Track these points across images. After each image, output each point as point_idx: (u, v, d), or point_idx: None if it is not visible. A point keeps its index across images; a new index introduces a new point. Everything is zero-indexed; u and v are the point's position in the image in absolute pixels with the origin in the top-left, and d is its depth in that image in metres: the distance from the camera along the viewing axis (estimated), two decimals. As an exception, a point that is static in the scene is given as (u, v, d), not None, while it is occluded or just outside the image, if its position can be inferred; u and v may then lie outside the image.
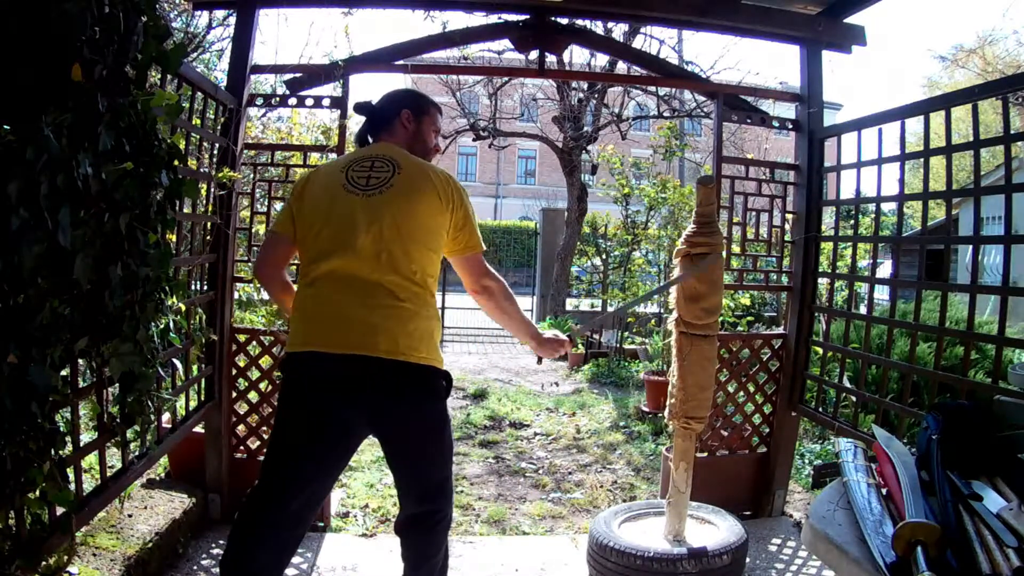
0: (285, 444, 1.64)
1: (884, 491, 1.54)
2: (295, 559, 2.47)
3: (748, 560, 2.40)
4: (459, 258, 1.84)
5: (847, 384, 2.91)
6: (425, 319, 1.67)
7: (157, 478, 2.81)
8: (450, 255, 1.83)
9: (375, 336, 1.59)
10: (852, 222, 3.09)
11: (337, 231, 1.66)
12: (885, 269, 5.82)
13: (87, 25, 1.29)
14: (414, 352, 1.62)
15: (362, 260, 1.63)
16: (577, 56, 8.62)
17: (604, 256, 8.25)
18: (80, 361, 1.65)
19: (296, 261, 1.88)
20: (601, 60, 8.05)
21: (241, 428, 2.79)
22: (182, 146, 1.84)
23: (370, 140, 1.92)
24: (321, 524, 2.74)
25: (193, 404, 2.50)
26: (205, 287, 2.60)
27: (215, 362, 2.63)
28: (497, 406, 5.09)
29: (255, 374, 2.82)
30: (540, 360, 2.08)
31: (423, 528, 1.76)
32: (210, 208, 2.51)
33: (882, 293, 5.11)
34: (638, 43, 7.41)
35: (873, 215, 2.82)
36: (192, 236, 2.46)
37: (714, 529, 2.33)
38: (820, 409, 2.93)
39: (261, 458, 2.72)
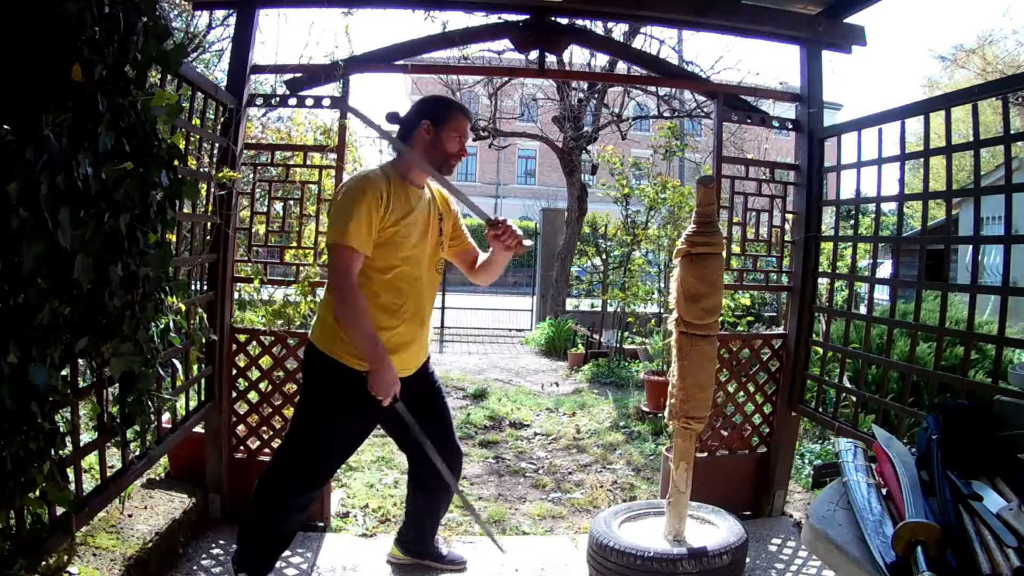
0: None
1: (884, 491, 1.54)
2: (295, 559, 2.47)
3: (748, 560, 2.40)
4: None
5: (847, 384, 2.91)
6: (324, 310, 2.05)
7: (157, 478, 2.81)
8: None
9: None
10: (852, 222, 3.09)
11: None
12: (885, 269, 5.82)
13: (87, 25, 1.29)
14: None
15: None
16: (577, 56, 8.62)
17: (604, 256, 8.25)
18: (80, 361, 1.65)
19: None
20: (601, 60, 8.05)
21: (241, 428, 2.79)
22: (182, 146, 1.84)
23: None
24: (321, 524, 2.74)
25: (193, 404, 2.50)
26: (205, 287, 2.60)
27: (215, 362, 2.63)
28: (497, 406, 5.09)
29: (255, 374, 2.82)
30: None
31: None
32: (210, 208, 2.51)
33: (882, 293, 5.11)
34: (638, 43, 7.41)
35: (873, 215, 2.82)
36: (192, 236, 2.46)
37: (714, 529, 2.33)
38: (820, 409, 2.93)
39: (261, 458, 2.74)
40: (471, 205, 2.17)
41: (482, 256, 2.28)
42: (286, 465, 2.10)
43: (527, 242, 2.10)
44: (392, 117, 2.11)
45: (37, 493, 1.38)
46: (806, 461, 3.62)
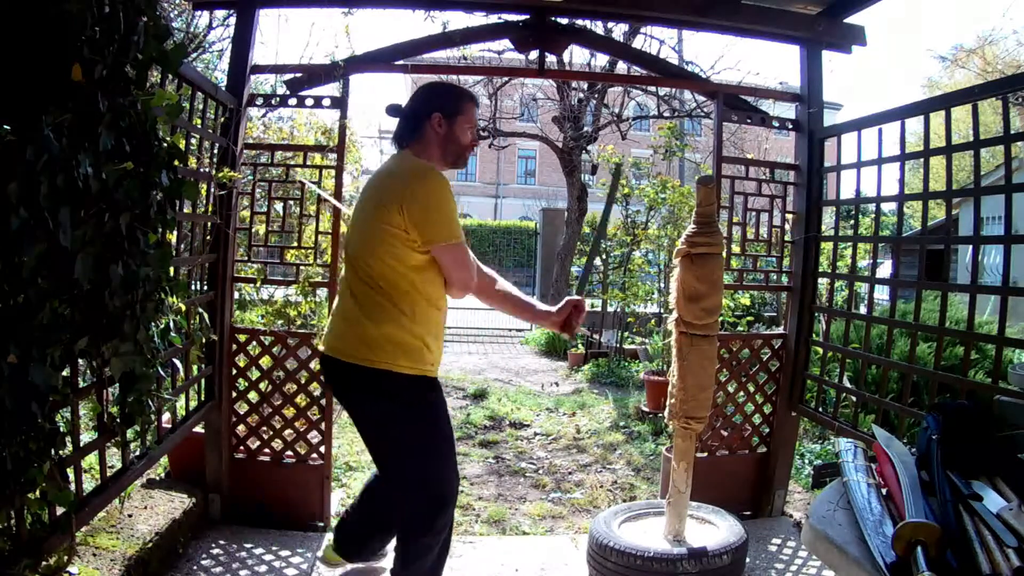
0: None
1: (884, 491, 1.54)
2: (295, 559, 2.47)
3: (748, 560, 2.40)
4: (430, 255, 1.80)
5: (847, 384, 2.91)
6: (375, 324, 1.78)
7: (157, 478, 2.81)
8: (423, 253, 1.78)
9: (334, 338, 1.87)
10: (852, 222, 3.09)
11: (345, 242, 1.94)
12: (885, 269, 5.82)
13: (87, 25, 1.29)
14: (356, 354, 1.79)
15: (346, 268, 1.90)
16: (577, 56, 8.62)
17: (604, 256, 8.25)
18: (80, 361, 1.65)
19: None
20: (601, 60, 8.05)
21: (241, 428, 2.79)
22: (182, 146, 1.84)
23: (400, 146, 1.94)
24: (321, 524, 2.74)
25: (193, 404, 2.50)
26: (205, 287, 2.60)
27: (215, 362, 2.63)
28: (497, 406, 5.09)
29: (255, 374, 2.82)
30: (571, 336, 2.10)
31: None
32: (210, 208, 2.51)
33: (882, 293, 5.11)
34: (638, 43, 7.41)
35: (873, 215, 2.82)
36: (192, 236, 2.46)
37: (714, 529, 2.33)
38: (820, 409, 2.93)
39: (261, 458, 2.74)
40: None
41: (510, 287, 2.12)
42: (418, 498, 1.84)
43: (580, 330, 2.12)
44: (393, 110, 1.99)
45: (37, 493, 1.38)
46: (806, 461, 3.62)
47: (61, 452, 1.43)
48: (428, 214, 1.74)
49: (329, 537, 2.67)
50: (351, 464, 3.51)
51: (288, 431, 2.74)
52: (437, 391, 1.91)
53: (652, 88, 8.15)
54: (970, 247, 2.22)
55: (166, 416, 2.24)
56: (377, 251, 1.77)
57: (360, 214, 1.87)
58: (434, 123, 1.88)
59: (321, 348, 1.95)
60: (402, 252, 1.76)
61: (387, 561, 2.25)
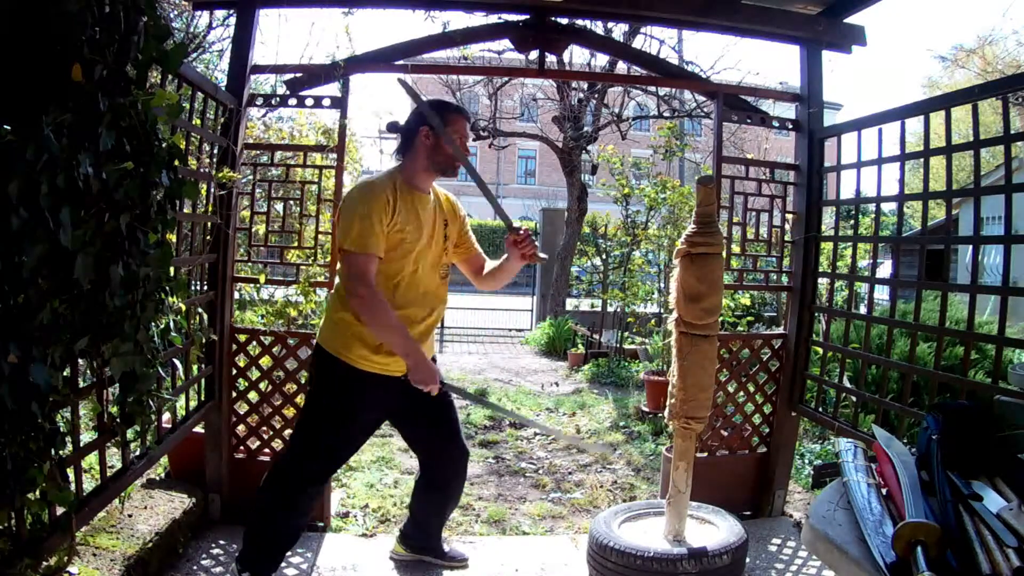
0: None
1: (884, 491, 1.54)
2: (295, 559, 2.47)
3: (748, 560, 2.40)
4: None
5: (847, 384, 2.91)
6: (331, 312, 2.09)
7: (157, 478, 2.81)
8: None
9: None
10: (852, 222, 3.09)
11: None
12: (885, 269, 5.81)
13: (87, 25, 1.29)
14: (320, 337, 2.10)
15: None
16: (577, 56, 8.62)
17: (604, 256, 8.25)
18: (80, 361, 1.65)
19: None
20: (601, 60, 8.04)
21: (241, 428, 2.79)
22: (182, 146, 1.84)
23: (398, 157, 2.13)
24: (321, 524, 2.74)
25: (193, 404, 2.50)
26: (205, 287, 2.60)
27: (215, 362, 2.63)
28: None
29: (255, 374, 2.82)
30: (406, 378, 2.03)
31: None
32: (210, 208, 2.51)
33: (882, 293, 5.11)
34: (638, 43, 7.41)
35: (873, 215, 2.82)
36: (192, 236, 2.46)
37: (714, 529, 2.33)
38: (820, 409, 2.93)
39: (261, 458, 2.74)
40: (498, 208, 2.29)
41: (490, 263, 2.31)
42: (291, 462, 2.13)
43: (543, 254, 2.18)
44: (392, 127, 2.16)
45: (37, 493, 1.38)
46: (806, 461, 3.62)
47: (61, 452, 1.43)
48: (339, 220, 2.00)
49: (330, 537, 2.67)
50: (351, 464, 3.51)
51: (288, 431, 2.74)
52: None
53: (652, 88, 8.15)
54: (970, 247, 2.22)
55: (166, 416, 2.24)
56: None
57: None
58: (422, 136, 2.05)
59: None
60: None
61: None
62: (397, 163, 2.14)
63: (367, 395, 2.07)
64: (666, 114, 8.46)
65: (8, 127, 1.14)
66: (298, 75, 2.85)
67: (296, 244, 2.93)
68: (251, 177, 2.82)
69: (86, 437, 1.81)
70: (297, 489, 2.11)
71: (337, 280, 2.12)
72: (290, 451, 2.16)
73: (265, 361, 2.80)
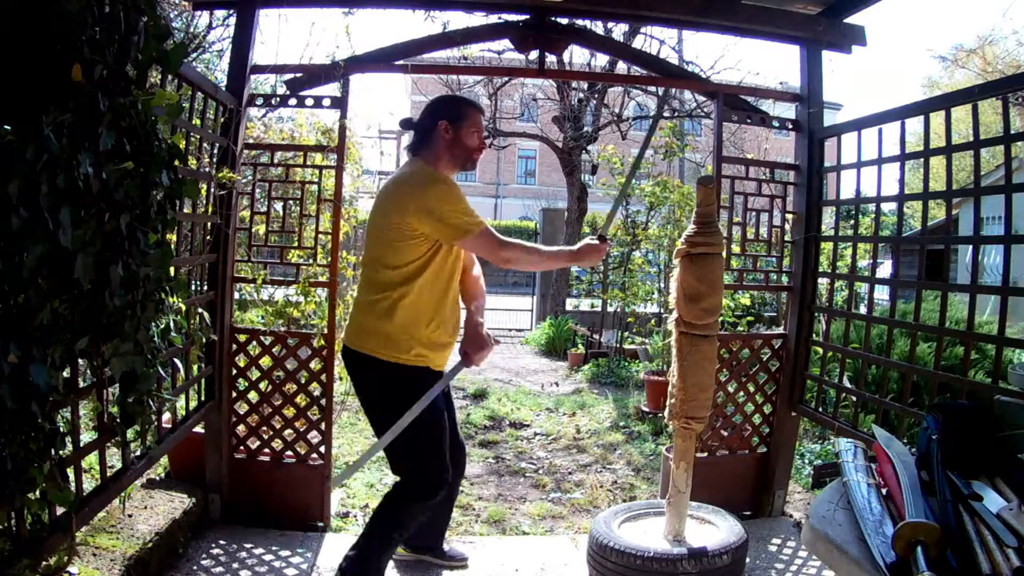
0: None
1: (884, 491, 1.54)
2: (295, 559, 2.47)
3: (748, 560, 2.40)
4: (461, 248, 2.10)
5: (847, 384, 2.91)
6: (372, 315, 2.05)
7: (157, 478, 2.81)
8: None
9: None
10: (852, 222, 3.09)
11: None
12: (885, 269, 5.81)
13: (87, 25, 1.29)
14: (355, 341, 2.08)
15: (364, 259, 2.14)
16: (577, 56, 8.62)
17: (604, 256, 8.25)
18: (80, 361, 1.65)
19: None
20: (601, 60, 8.05)
21: (241, 428, 2.79)
22: (182, 146, 1.84)
23: (411, 154, 2.16)
24: (321, 524, 2.74)
25: (193, 404, 2.50)
26: (205, 287, 2.60)
27: (215, 362, 2.63)
28: (497, 406, 5.09)
29: (255, 374, 2.82)
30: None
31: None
32: (210, 208, 2.51)
33: (882, 293, 5.10)
34: (638, 43, 7.41)
35: (873, 215, 2.82)
36: (192, 236, 2.46)
37: (714, 529, 2.33)
38: (820, 409, 2.93)
39: (261, 458, 2.74)
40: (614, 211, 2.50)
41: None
42: (421, 481, 2.08)
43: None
44: (406, 123, 2.19)
45: (37, 493, 1.38)
46: (806, 461, 3.62)
47: (61, 452, 1.43)
48: (438, 216, 1.97)
49: (330, 537, 2.67)
50: (350, 464, 3.51)
51: (288, 431, 2.74)
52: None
53: (652, 88, 8.15)
54: (970, 247, 2.22)
55: (166, 416, 2.24)
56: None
57: (374, 218, 2.09)
58: (441, 130, 2.07)
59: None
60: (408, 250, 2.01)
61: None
62: (412, 159, 2.14)
63: (432, 383, 2.10)
64: (666, 114, 8.46)
65: (8, 127, 1.14)
66: (298, 75, 2.85)
67: (296, 244, 2.93)
68: (251, 177, 2.82)
69: (86, 437, 1.81)
70: (434, 498, 2.08)
71: (373, 293, 2.06)
72: (414, 474, 2.10)
73: (265, 361, 2.80)
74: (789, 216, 3.06)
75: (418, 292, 2.03)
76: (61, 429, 1.42)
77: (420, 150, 2.11)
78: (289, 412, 2.74)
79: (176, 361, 2.08)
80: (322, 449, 2.75)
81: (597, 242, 2.19)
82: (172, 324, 1.80)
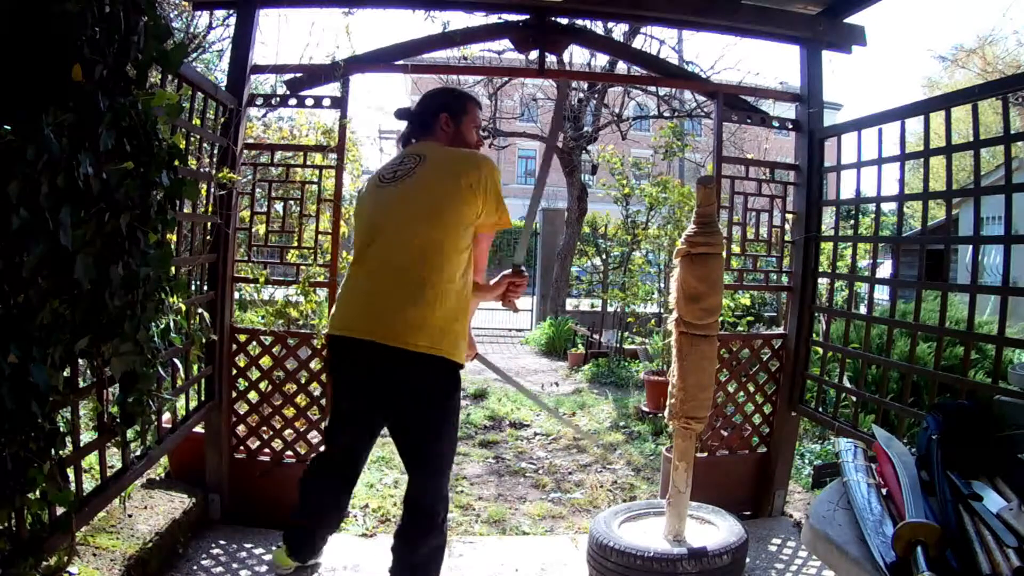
0: (335, 409, 2.01)
1: (884, 491, 1.54)
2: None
3: (748, 560, 2.40)
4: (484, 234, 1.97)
5: (847, 384, 2.91)
6: (440, 310, 1.77)
7: (157, 478, 2.81)
8: (480, 231, 1.93)
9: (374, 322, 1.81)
10: (852, 222, 3.09)
11: (371, 223, 1.88)
12: (885, 269, 5.81)
13: (87, 25, 1.29)
14: (410, 339, 1.74)
15: (392, 245, 1.81)
16: (577, 56, 8.62)
17: (604, 256, 8.25)
18: (80, 361, 1.65)
19: None
20: (601, 60, 8.04)
21: (241, 428, 2.79)
22: (182, 146, 1.84)
23: (413, 142, 2.04)
24: (321, 524, 2.74)
25: (193, 404, 2.50)
26: (205, 287, 2.60)
27: (215, 362, 2.63)
28: (497, 406, 5.09)
29: (255, 374, 2.82)
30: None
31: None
32: (210, 208, 2.50)
33: (882, 293, 5.11)
34: (638, 43, 7.41)
35: (873, 215, 2.82)
36: (192, 236, 2.46)
37: (714, 529, 2.33)
38: (820, 409, 2.93)
39: (261, 458, 2.74)
40: (527, 227, 2.37)
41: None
42: (446, 482, 1.94)
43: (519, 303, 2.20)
44: (401, 113, 2.12)
45: (37, 493, 1.38)
46: (806, 461, 3.62)
47: (61, 452, 1.43)
48: (495, 200, 1.90)
49: (330, 537, 2.67)
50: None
51: (288, 431, 2.74)
52: None
53: (652, 88, 8.15)
54: (970, 247, 2.22)
55: (166, 416, 2.24)
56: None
57: (410, 187, 1.85)
58: (442, 122, 1.99)
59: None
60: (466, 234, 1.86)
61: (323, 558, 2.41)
62: (417, 144, 2.02)
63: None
64: (666, 114, 8.46)
65: (8, 127, 1.14)
66: (298, 75, 2.85)
67: (296, 244, 2.93)
68: (251, 177, 2.82)
69: (86, 437, 1.81)
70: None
71: (438, 283, 1.77)
72: (440, 494, 1.91)
73: (265, 361, 2.80)
74: (789, 216, 3.06)
75: (469, 283, 1.88)
76: (61, 429, 1.41)
77: (421, 138, 2.03)
78: (289, 412, 2.74)
79: (176, 361, 2.08)
80: (322, 449, 2.75)
81: (510, 274, 2.09)
82: (172, 324, 1.80)
